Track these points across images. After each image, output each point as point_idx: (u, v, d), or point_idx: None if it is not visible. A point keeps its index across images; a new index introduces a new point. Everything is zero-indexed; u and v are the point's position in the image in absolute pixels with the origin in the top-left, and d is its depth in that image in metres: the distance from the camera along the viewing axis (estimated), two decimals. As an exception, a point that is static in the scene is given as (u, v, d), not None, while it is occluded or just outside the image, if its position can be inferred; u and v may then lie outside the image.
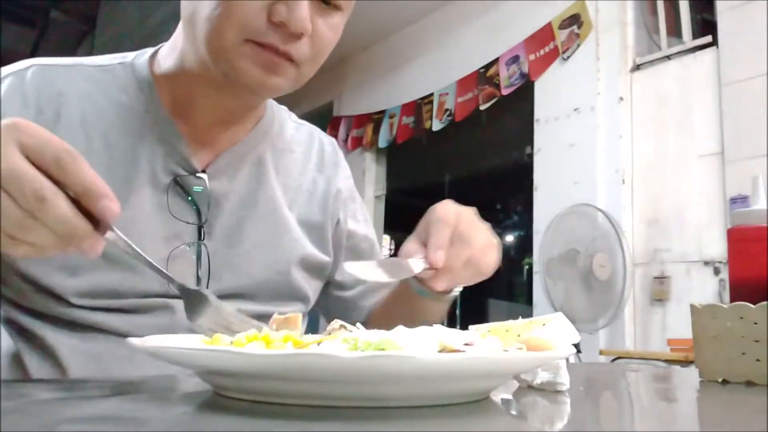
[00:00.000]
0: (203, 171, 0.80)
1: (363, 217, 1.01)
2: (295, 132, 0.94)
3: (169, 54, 0.80)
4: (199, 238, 0.79)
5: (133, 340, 0.47)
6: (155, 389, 0.56)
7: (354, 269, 0.66)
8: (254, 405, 0.42)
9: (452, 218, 0.71)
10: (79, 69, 0.80)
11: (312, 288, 0.89)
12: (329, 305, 0.97)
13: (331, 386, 0.41)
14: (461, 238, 0.70)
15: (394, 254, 0.75)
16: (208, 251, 0.79)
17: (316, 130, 0.98)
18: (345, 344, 0.43)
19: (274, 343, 0.47)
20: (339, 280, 0.96)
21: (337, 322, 0.51)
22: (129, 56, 0.82)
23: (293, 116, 0.96)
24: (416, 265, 0.68)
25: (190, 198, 0.79)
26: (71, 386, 0.58)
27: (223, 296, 0.75)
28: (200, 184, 0.79)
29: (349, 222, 0.96)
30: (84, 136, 0.75)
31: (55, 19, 8.00)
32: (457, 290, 0.80)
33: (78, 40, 8.64)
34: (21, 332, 0.75)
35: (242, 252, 0.81)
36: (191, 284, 0.76)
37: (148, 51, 0.83)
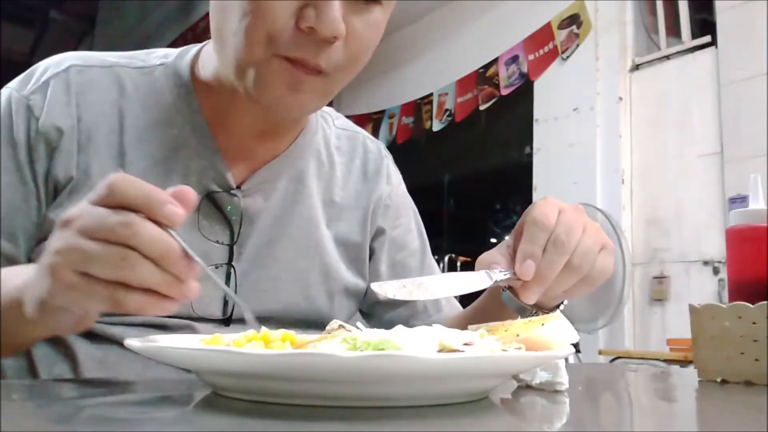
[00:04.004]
0: (239, 187, 0.75)
1: (416, 227, 0.93)
2: (336, 140, 0.88)
3: (210, 59, 0.75)
4: (230, 259, 0.75)
5: (133, 341, 0.46)
6: (155, 389, 0.56)
7: (379, 289, 0.58)
8: (254, 405, 0.42)
9: (550, 220, 0.62)
10: (117, 71, 0.75)
11: (343, 313, 0.84)
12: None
13: (331, 386, 0.41)
14: (556, 243, 0.61)
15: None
16: (236, 273, 0.75)
17: (361, 135, 0.92)
18: (344, 344, 0.43)
19: (273, 342, 0.47)
20: (385, 299, 0.87)
21: (336, 322, 0.51)
22: (171, 55, 0.78)
23: (340, 120, 0.91)
24: (482, 279, 0.60)
25: (222, 216, 0.75)
26: (71, 387, 0.58)
27: None
28: (234, 201, 0.75)
29: (396, 231, 0.90)
30: (118, 148, 0.72)
31: (54, 19, 7.99)
32: (563, 304, 0.71)
33: (78, 40, 8.63)
34: None
35: (271, 275, 0.77)
36: (216, 307, 0.74)
37: (192, 50, 0.79)
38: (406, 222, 0.93)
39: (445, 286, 0.61)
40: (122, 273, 0.46)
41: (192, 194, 0.48)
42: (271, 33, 0.63)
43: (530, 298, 0.62)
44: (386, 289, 0.58)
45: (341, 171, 0.86)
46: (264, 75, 0.65)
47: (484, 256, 0.65)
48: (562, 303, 0.71)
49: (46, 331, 0.61)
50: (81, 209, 0.47)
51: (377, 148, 0.92)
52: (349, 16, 0.64)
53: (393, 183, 0.92)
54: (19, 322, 0.55)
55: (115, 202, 0.46)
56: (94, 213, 0.46)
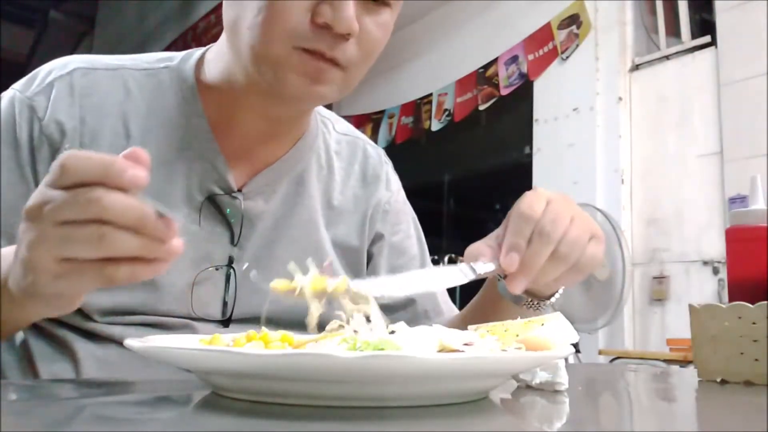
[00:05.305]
0: (240, 190, 0.76)
1: (415, 234, 0.94)
2: (336, 145, 0.88)
3: (215, 60, 0.76)
4: (230, 261, 0.76)
5: (132, 341, 0.46)
6: (155, 389, 0.56)
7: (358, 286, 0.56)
8: (253, 405, 0.42)
9: (536, 211, 0.63)
10: (123, 74, 0.76)
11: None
12: None
13: (330, 386, 0.41)
14: (541, 234, 0.62)
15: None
16: (236, 275, 0.76)
17: (361, 140, 0.92)
18: (344, 344, 0.43)
19: (272, 343, 0.47)
20: (385, 303, 0.90)
21: (336, 322, 0.51)
22: (176, 58, 0.79)
23: (340, 124, 0.91)
24: (465, 272, 0.60)
25: (224, 218, 0.76)
26: (71, 386, 0.58)
27: (248, 320, 0.73)
28: (235, 204, 0.76)
29: (395, 237, 0.90)
30: (123, 150, 0.72)
31: (54, 19, 8.00)
32: (557, 293, 0.71)
33: (77, 40, 8.64)
34: (34, 325, 0.73)
35: (271, 276, 0.78)
36: (216, 308, 0.75)
37: (196, 53, 0.79)
38: (406, 228, 0.93)
39: (426, 280, 0.62)
40: (104, 249, 0.45)
41: (142, 152, 0.47)
42: (287, 28, 0.65)
43: (516, 288, 0.63)
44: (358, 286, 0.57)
45: (340, 175, 0.87)
46: (285, 68, 0.66)
47: (472, 248, 0.66)
48: (557, 292, 0.72)
49: (40, 316, 0.61)
50: (42, 195, 0.46)
51: (377, 154, 0.93)
52: (361, 16, 0.67)
53: (392, 189, 0.92)
54: (8, 308, 0.56)
55: (73, 182, 0.45)
56: (58, 197, 0.45)
